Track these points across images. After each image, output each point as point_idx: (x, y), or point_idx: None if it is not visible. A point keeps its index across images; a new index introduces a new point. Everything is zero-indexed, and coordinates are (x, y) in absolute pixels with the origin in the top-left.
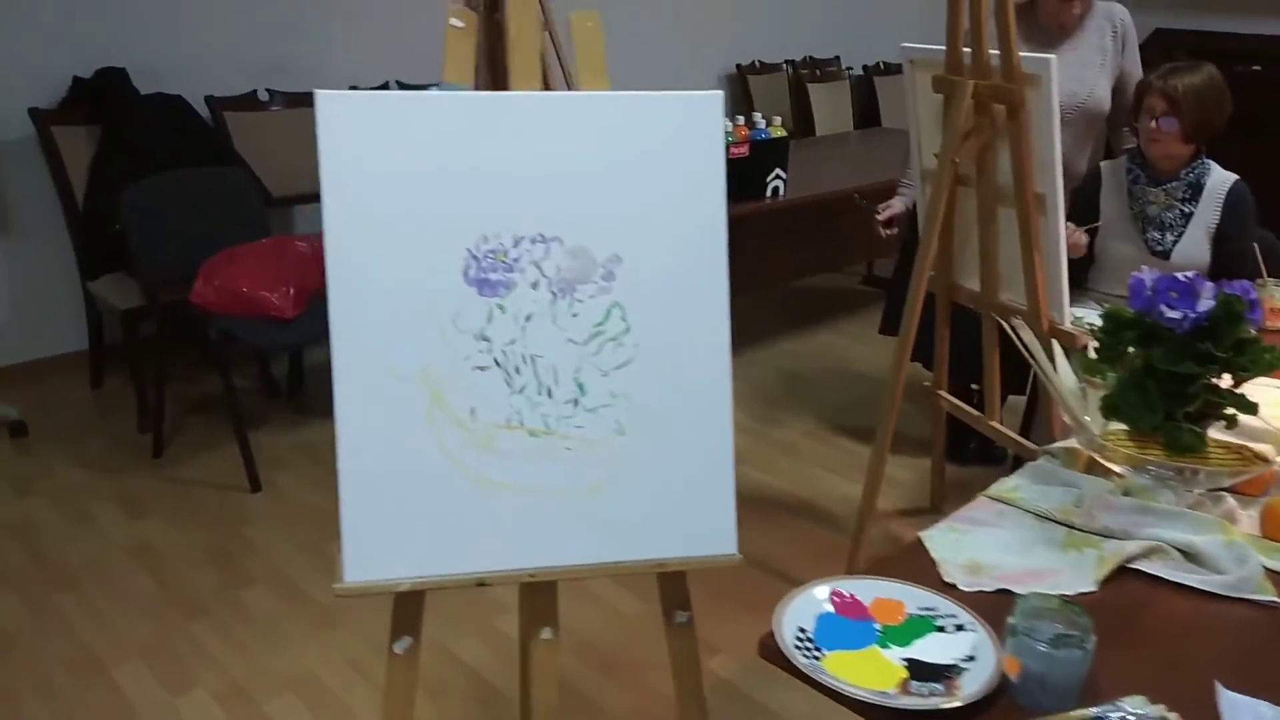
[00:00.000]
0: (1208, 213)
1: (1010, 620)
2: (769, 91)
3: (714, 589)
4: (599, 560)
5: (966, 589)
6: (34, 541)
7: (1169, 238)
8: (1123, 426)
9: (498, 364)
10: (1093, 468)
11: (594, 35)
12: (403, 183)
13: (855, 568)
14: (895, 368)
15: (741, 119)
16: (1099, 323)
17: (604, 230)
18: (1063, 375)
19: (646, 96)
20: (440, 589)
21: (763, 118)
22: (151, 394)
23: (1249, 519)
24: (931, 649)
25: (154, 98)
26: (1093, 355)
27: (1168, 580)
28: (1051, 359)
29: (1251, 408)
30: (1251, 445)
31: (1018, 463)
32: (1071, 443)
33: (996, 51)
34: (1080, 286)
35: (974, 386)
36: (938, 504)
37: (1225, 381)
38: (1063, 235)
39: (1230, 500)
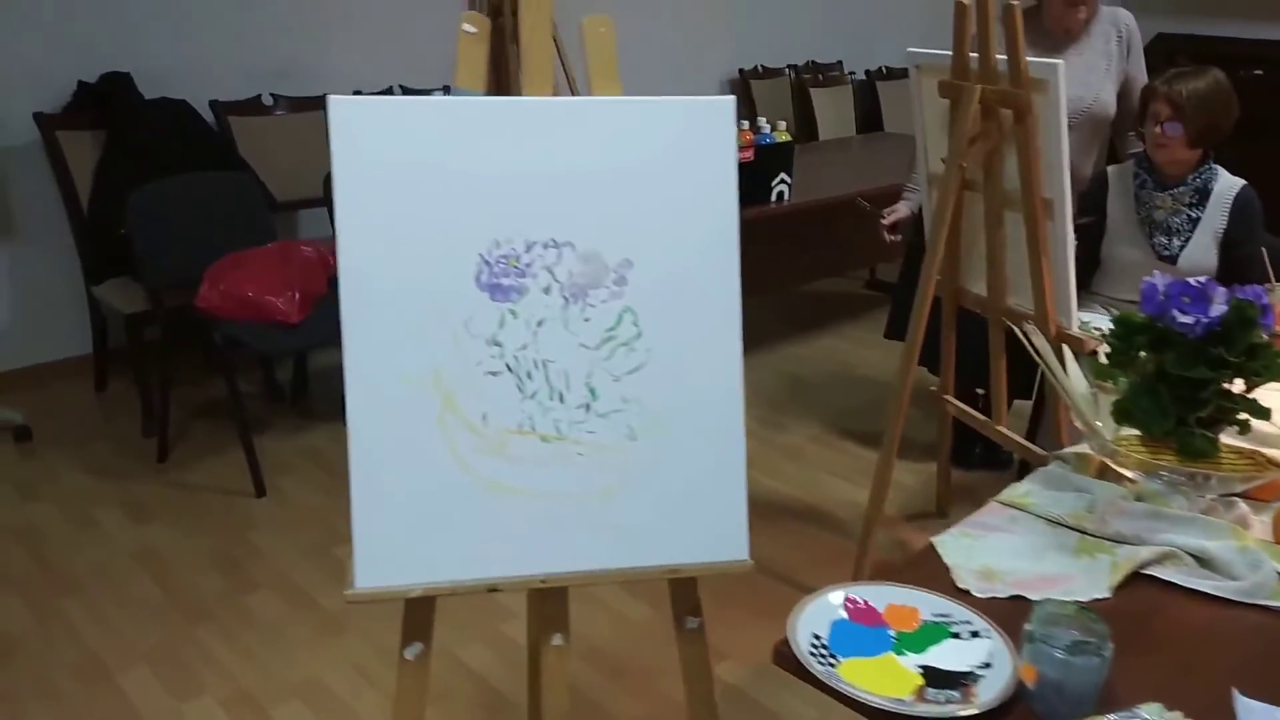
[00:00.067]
0: (1215, 218)
1: (1027, 627)
2: (771, 96)
3: (720, 594)
4: (611, 566)
5: (980, 595)
6: (38, 546)
7: (1176, 243)
8: (1135, 431)
9: (509, 369)
10: (1104, 473)
11: (606, 40)
12: (415, 188)
13: (862, 573)
14: (902, 372)
15: (746, 124)
16: (1105, 327)
17: (616, 235)
18: (1074, 380)
19: (659, 102)
20: (451, 595)
21: (767, 122)
22: (156, 398)
23: (1261, 524)
24: (947, 656)
25: (158, 102)
26: (1104, 360)
27: (1181, 586)
28: (1063, 364)
29: (1264, 413)
30: (1264, 450)
31: (1023, 467)
32: (1083, 448)
33: (1003, 56)
34: (1086, 291)
35: (979, 391)
36: (943, 509)
37: (1238, 387)
38: (1070, 240)
39: (1243, 506)
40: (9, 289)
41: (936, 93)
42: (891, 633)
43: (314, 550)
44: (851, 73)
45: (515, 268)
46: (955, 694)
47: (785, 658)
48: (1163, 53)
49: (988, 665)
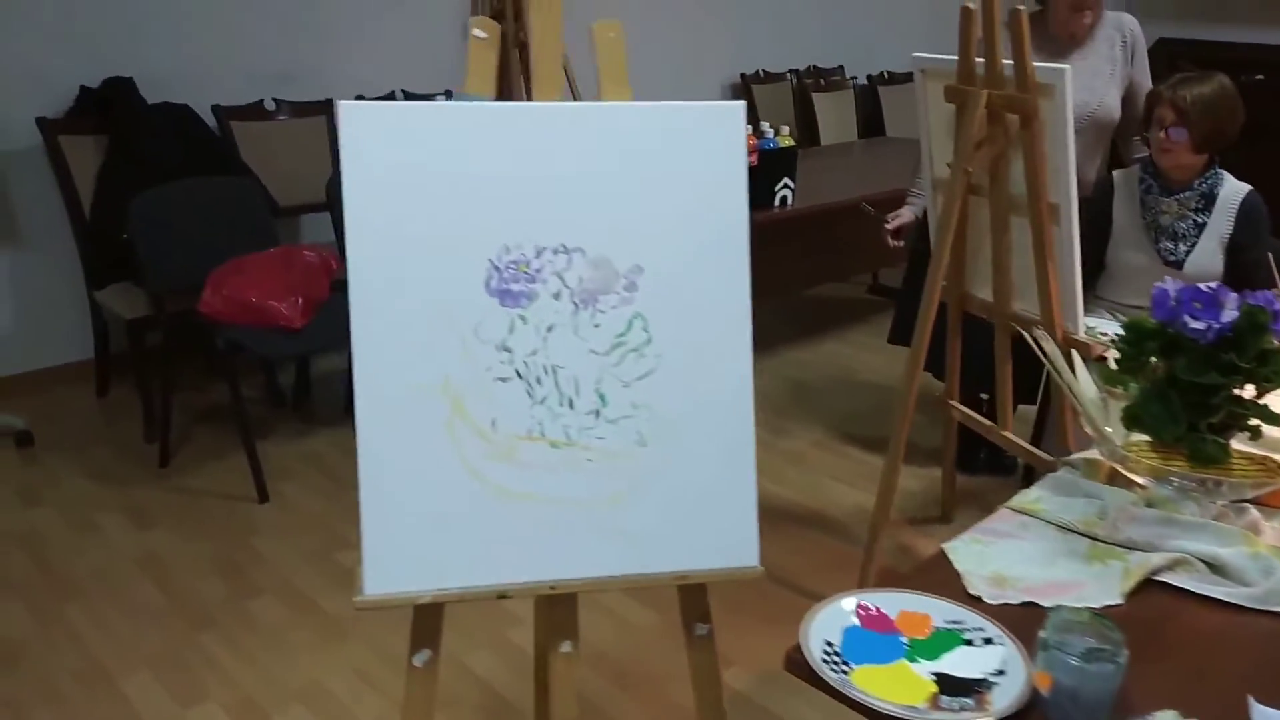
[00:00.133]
0: (1221, 223)
1: (1041, 634)
2: (773, 101)
3: (725, 600)
4: (620, 572)
5: (992, 601)
6: (40, 551)
7: (1182, 248)
8: (1145, 437)
9: (519, 375)
10: (1114, 479)
11: (616, 46)
12: (424, 193)
13: (867, 578)
14: (908, 378)
15: (749, 128)
16: (1111, 332)
17: (626, 240)
18: (1083, 386)
19: (669, 107)
20: (460, 602)
21: (770, 127)
22: (158, 403)
23: (1273, 530)
24: (960, 663)
25: (161, 107)
26: (1114, 366)
27: (1194, 592)
28: (1072, 369)
29: (1275, 419)
30: (1275, 456)
31: (1028, 472)
32: (1092, 453)
33: (1009, 61)
34: (1091, 295)
35: (983, 396)
36: (948, 514)
37: (1249, 392)
38: (1076, 244)
39: (1254, 512)
40: (11, 294)
41: (942, 98)
42: (904, 640)
43: (316, 555)
44: (853, 77)
45: (525, 273)
46: (969, 701)
47: (798, 665)
48: (1164, 58)
49: (1001, 672)
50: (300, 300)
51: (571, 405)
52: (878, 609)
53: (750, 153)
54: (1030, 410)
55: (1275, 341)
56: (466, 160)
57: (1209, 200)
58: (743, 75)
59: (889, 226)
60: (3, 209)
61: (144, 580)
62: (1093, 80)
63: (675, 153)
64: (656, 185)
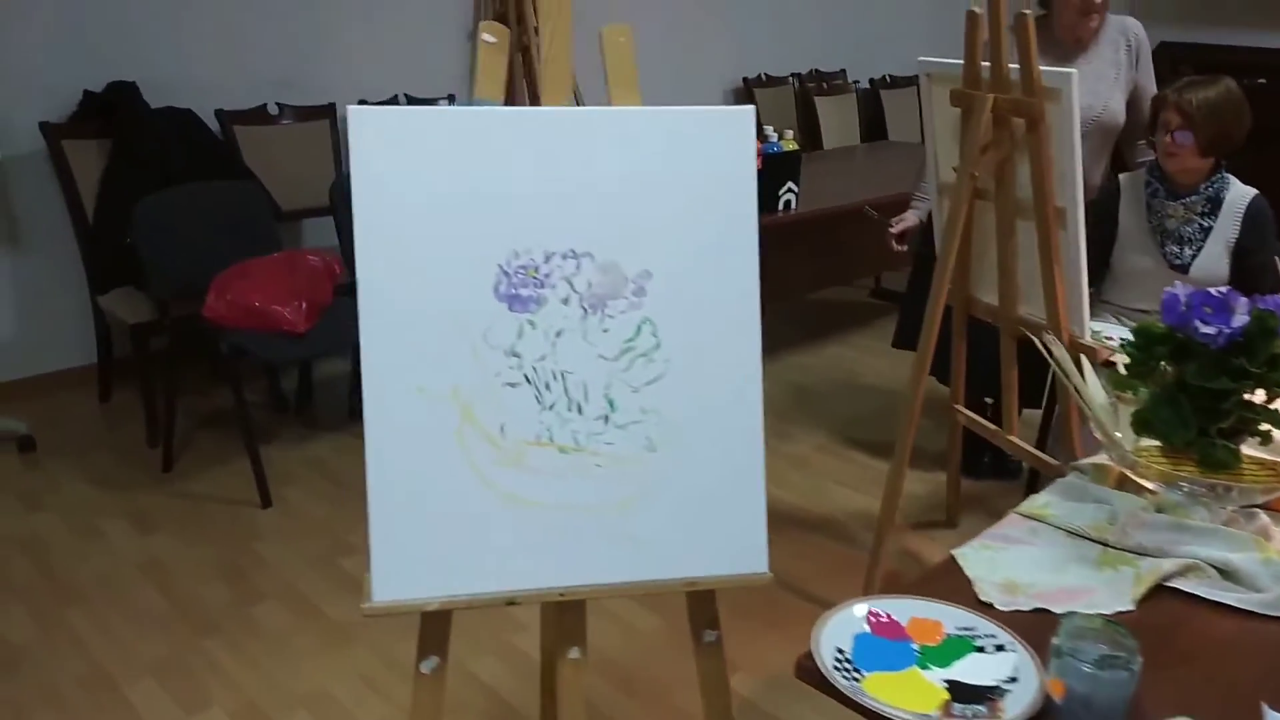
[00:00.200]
0: (1227, 227)
1: (1054, 641)
2: (775, 105)
3: (730, 605)
4: (630, 579)
5: (1003, 608)
6: (43, 556)
7: (1188, 252)
8: (1154, 442)
9: (528, 380)
10: (1123, 484)
11: (625, 50)
12: (434, 198)
13: (873, 583)
14: (914, 382)
15: None
16: (1116, 335)
17: (635, 245)
18: (1092, 390)
19: (679, 112)
20: (469, 609)
21: (774, 131)
22: (161, 408)
23: None
24: (972, 670)
25: (164, 111)
26: (1123, 370)
27: (1205, 599)
28: (1081, 374)
29: None
30: None
31: (1033, 476)
32: (1100, 458)
33: (1015, 65)
34: (1097, 299)
35: (987, 400)
36: (953, 518)
37: (1259, 397)
38: (1083, 248)
39: (1264, 517)
40: (13, 298)
41: (948, 101)
42: (915, 647)
43: (320, 560)
44: (855, 81)
45: (534, 278)
46: (982, 709)
47: (809, 672)
48: (1166, 61)
49: (1014, 680)
50: (304, 305)
51: (580, 410)
52: (889, 616)
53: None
54: (1035, 414)
55: None
56: (475, 165)
57: (1215, 204)
58: (745, 79)
59: (893, 231)
60: (6, 213)
61: (147, 585)
62: (1097, 84)
63: (684, 157)
64: (666, 190)
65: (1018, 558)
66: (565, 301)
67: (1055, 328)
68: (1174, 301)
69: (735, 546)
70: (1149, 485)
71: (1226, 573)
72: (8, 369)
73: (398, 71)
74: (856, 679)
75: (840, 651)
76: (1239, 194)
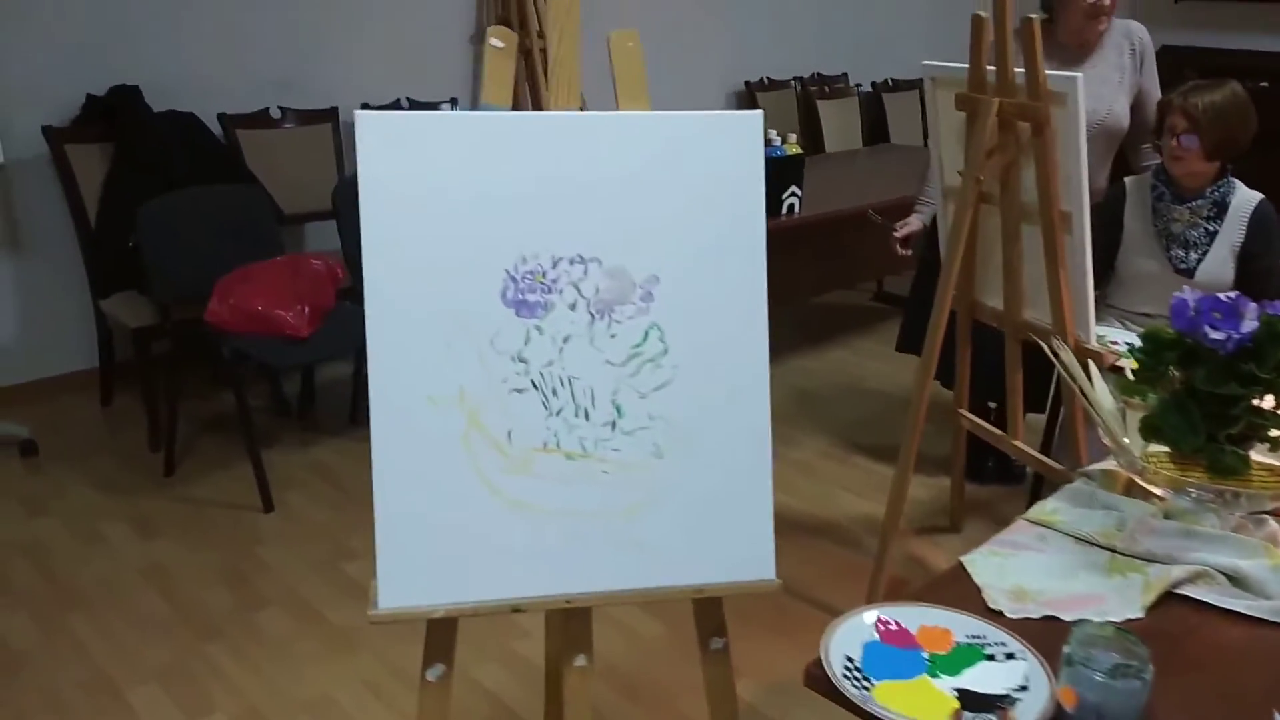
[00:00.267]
0: (1233, 231)
1: (1066, 649)
2: (778, 108)
3: (734, 611)
4: (636, 586)
5: (1012, 615)
6: (45, 561)
7: (1193, 256)
8: (1163, 448)
9: (535, 386)
10: (1131, 490)
11: (634, 55)
12: (441, 204)
13: (878, 588)
14: (919, 387)
15: None
16: (1120, 340)
17: (643, 251)
18: (1100, 396)
19: (686, 116)
20: (475, 616)
21: (778, 135)
22: (163, 412)
23: None
24: (982, 678)
25: (167, 115)
26: (1130, 375)
27: (1215, 606)
28: (1089, 379)
29: None
30: None
31: (1037, 481)
32: (1108, 464)
33: (1021, 70)
34: (1101, 303)
35: (991, 405)
36: (956, 523)
37: (1268, 403)
38: (1089, 253)
39: (1273, 523)
40: (15, 302)
41: (953, 106)
42: (925, 655)
43: (322, 565)
44: (857, 85)
45: (541, 284)
46: (992, 718)
47: (818, 680)
48: (1168, 65)
49: (1024, 688)
50: (306, 309)
51: (588, 417)
52: (898, 623)
53: None
54: (1038, 419)
55: None
56: (483, 170)
57: (1221, 208)
58: (747, 83)
59: (898, 235)
60: (8, 217)
61: (149, 590)
62: (1101, 88)
63: (692, 162)
64: (673, 195)
65: (1026, 564)
66: (573, 307)
67: (1061, 332)
68: (1183, 307)
69: (743, 553)
70: (1157, 491)
71: (1236, 579)
72: (9, 373)
73: (400, 75)
74: (866, 688)
75: (849, 660)
76: (1244, 198)
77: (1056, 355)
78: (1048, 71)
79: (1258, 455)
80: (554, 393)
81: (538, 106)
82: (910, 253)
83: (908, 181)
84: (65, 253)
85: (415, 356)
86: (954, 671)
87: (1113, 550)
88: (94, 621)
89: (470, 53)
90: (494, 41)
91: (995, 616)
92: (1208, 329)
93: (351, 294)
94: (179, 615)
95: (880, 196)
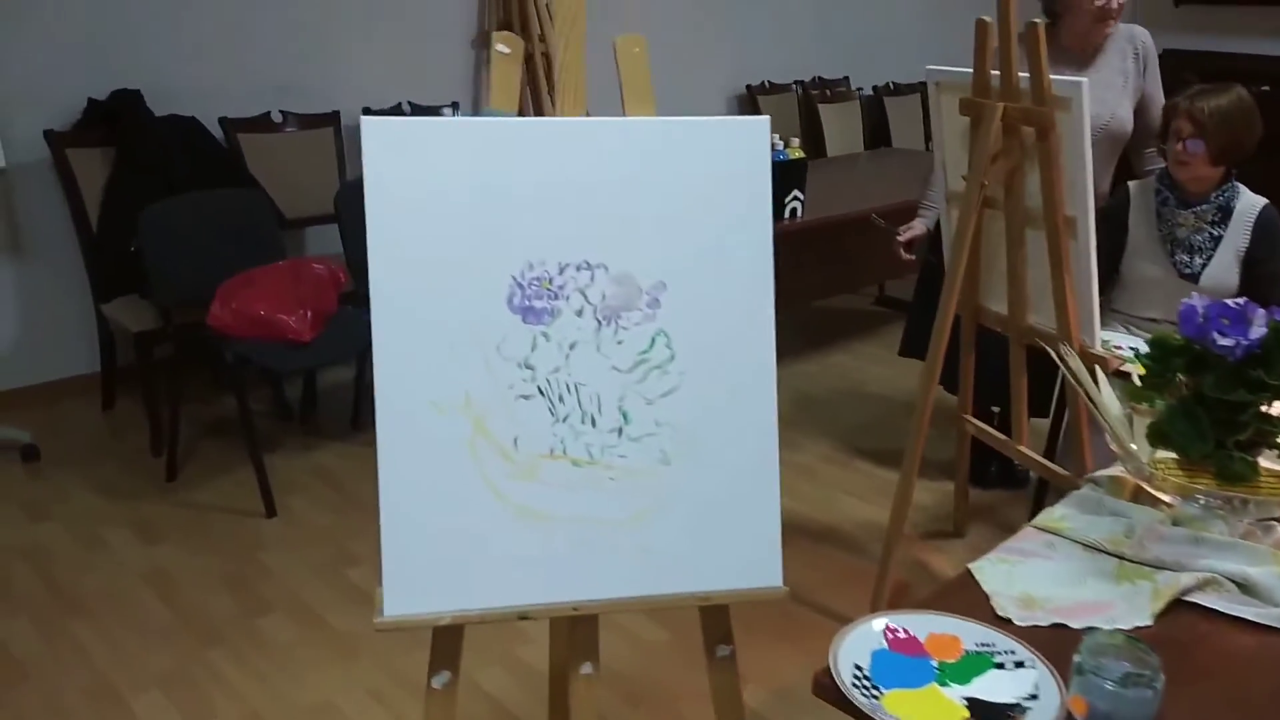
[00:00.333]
0: (1237, 236)
1: (1076, 658)
2: (779, 112)
3: (738, 616)
4: (643, 593)
5: (1021, 623)
6: (46, 567)
7: (1198, 260)
8: (1171, 455)
9: (541, 393)
10: (1139, 496)
11: (640, 60)
12: (447, 209)
13: (882, 593)
14: (923, 391)
15: None
16: (1125, 344)
17: (649, 257)
18: (1108, 401)
19: (693, 122)
20: (481, 623)
21: (780, 139)
22: (165, 417)
23: None
24: (992, 687)
25: (168, 119)
26: (1137, 381)
27: (1224, 613)
28: (1096, 384)
29: None
30: None
31: (1041, 485)
32: (1115, 470)
33: (1025, 74)
34: (1105, 308)
35: (994, 409)
36: (960, 528)
37: (1277, 409)
38: (1093, 257)
39: None
40: (17, 306)
41: (957, 110)
42: (934, 663)
43: (325, 571)
44: (859, 88)
45: (548, 290)
46: None
47: (827, 689)
48: (1169, 69)
49: (1034, 697)
50: (309, 313)
51: (594, 423)
52: (906, 631)
53: None
54: (1041, 423)
55: None
56: (489, 176)
57: (1225, 213)
58: (748, 86)
59: (901, 239)
60: (9, 221)
61: (152, 596)
62: (1105, 93)
63: (699, 168)
64: (680, 201)
65: (1034, 571)
66: (579, 313)
67: (1066, 337)
68: (1191, 313)
69: (749, 560)
70: (1165, 498)
71: (1245, 586)
72: (11, 377)
73: (401, 79)
74: (876, 696)
75: (858, 668)
76: (1249, 203)
77: (1064, 361)
78: (1052, 76)
79: (1266, 461)
80: (560, 399)
81: (538, 110)
82: (914, 257)
83: (910, 185)
84: (66, 257)
85: (421, 362)
86: (963, 680)
87: (1121, 557)
88: (96, 627)
89: (471, 56)
90: (500, 48)
91: (1004, 624)
92: (1216, 335)
93: (353, 298)
94: (181, 621)
95: (882, 200)
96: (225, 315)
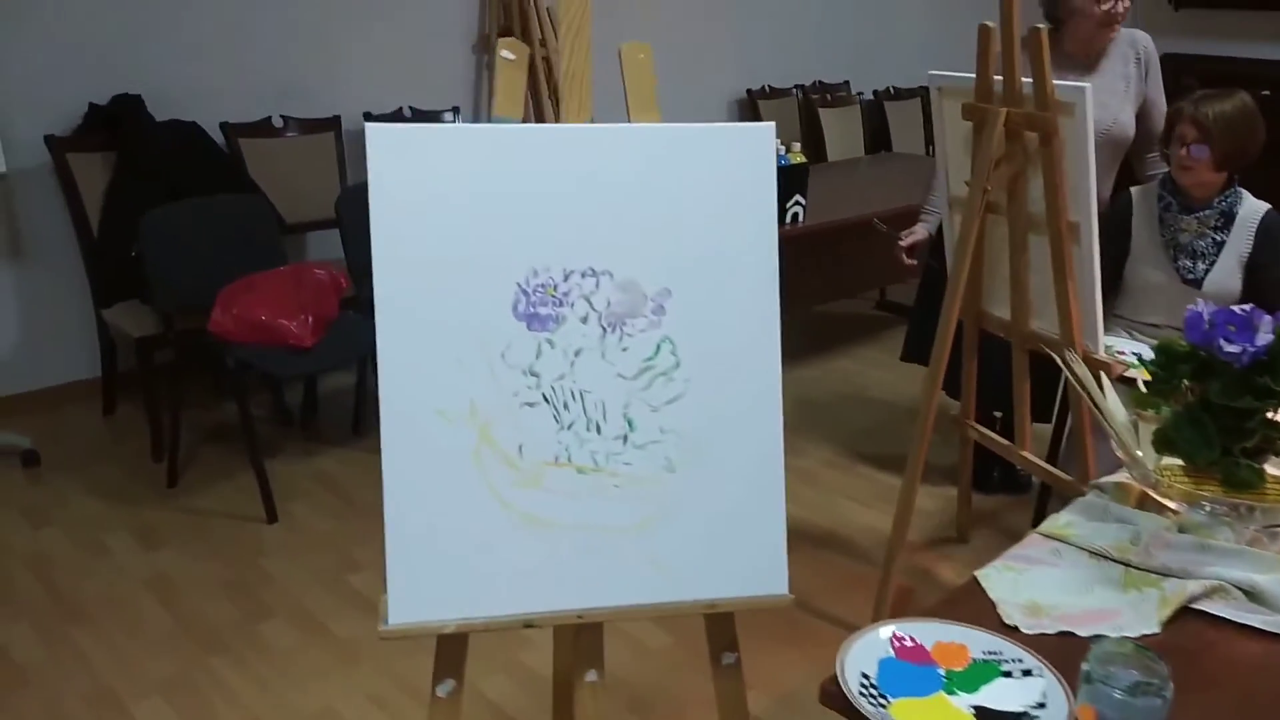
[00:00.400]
0: (1240, 242)
1: (1085, 667)
2: (779, 117)
3: (742, 622)
4: (649, 601)
5: (1028, 631)
6: (48, 573)
7: (1200, 266)
8: (1177, 461)
9: (546, 400)
10: (1145, 503)
11: (644, 67)
12: (452, 216)
13: (885, 599)
14: (926, 397)
15: None
16: (1128, 350)
17: (655, 263)
18: (1113, 408)
19: (698, 128)
20: (486, 631)
21: (781, 144)
22: (166, 422)
23: None
24: (1000, 696)
25: (169, 124)
26: (1143, 388)
27: (1232, 621)
28: (1101, 391)
29: None
30: None
31: (1044, 491)
32: (1122, 477)
33: (1028, 79)
34: (1108, 314)
35: (996, 414)
36: (963, 534)
37: None
38: (1096, 263)
39: None
40: (17, 311)
41: (959, 115)
42: (941, 671)
43: (327, 576)
44: (859, 93)
45: (553, 297)
46: None
47: (834, 697)
48: (1169, 73)
49: (1042, 705)
50: (310, 318)
51: (599, 430)
52: (913, 639)
53: None
54: (1043, 429)
55: None
56: (494, 182)
57: (1228, 219)
58: (748, 91)
59: (903, 244)
60: (10, 226)
61: (152, 602)
62: (1108, 98)
63: (704, 175)
64: (685, 208)
65: (1041, 579)
66: (584, 320)
67: (1069, 343)
68: (1197, 320)
69: (755, 567)
70: (1171, 505)
71: (1252, 594)
72: (12, 382)
73: (402, 84)
74: (883, 705)
75: (865, 676)
76: (1252, 209)
77: (1069, 366)
78: (1055, 81)
79: (1273, 469)
80: (565, 406)
81: (539, 115)
82: (915, 262)
83: (911, 190)
84: (67, 262)
85: (426, 370)
86: (971, 689)
87: (1127, 564)
88: (96, 633)
89: (472, 61)
90: (505, 54)
91: (1010, 632)
92: (1222, 342)
93: (355, 303)
94: (182, 627)
95: (883, 205)
96: (226, 320)
